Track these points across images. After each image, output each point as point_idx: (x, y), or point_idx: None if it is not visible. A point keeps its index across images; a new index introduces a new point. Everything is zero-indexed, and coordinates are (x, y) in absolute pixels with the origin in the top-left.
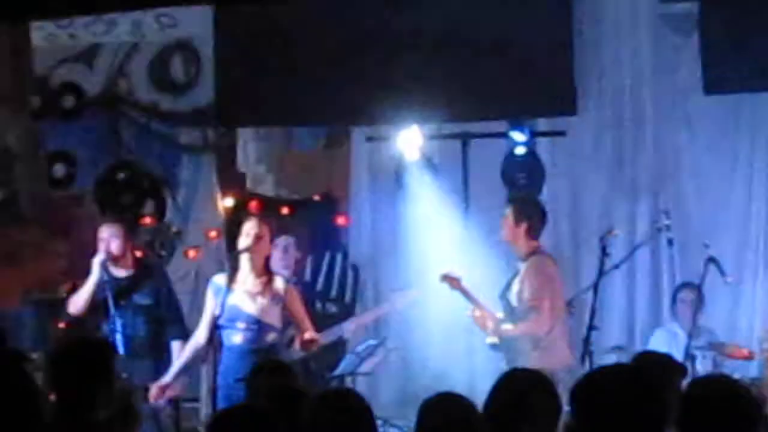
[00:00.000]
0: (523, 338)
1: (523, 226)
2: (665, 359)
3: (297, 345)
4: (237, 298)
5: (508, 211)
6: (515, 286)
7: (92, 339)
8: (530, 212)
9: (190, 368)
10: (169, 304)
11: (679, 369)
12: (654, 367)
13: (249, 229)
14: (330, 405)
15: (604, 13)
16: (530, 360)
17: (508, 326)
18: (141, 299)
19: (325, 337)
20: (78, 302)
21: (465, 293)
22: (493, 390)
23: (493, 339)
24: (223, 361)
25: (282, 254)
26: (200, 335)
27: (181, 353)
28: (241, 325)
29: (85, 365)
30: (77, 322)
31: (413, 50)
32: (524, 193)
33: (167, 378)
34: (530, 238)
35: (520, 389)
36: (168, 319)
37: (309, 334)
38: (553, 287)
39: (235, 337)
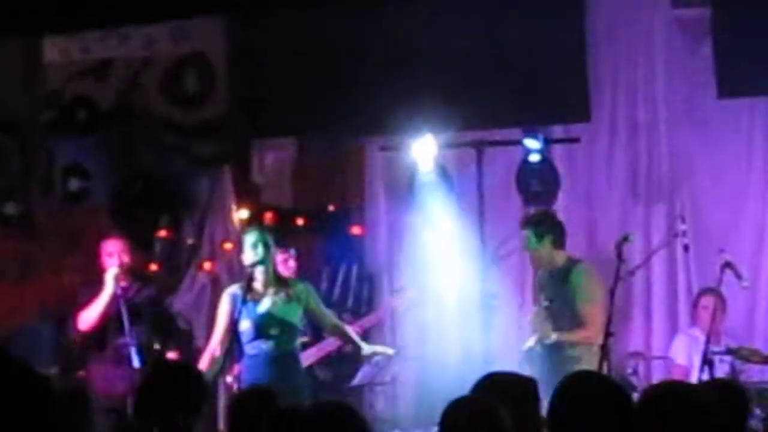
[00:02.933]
0: (573, 346)
1: (548, 240)
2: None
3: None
4: (266, 306)
5: (527, 234)
6: (566, 294)
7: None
8: (547, 225)
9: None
10: (171, 318)
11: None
12: None
13: (255, 241)
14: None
15: (617, 18)
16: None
17: (568, 334)
18: (147, 312)
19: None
20: (89, 318)
21: None
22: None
23: (530, 344)
24: (249, 371)
25: (282, 267)
26: (216, 347)
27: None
28: (274, 331)
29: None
30: (92, 337)
31: (427, 59)
32: (535, 210)
33: None
34: (558, 249)
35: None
36: (170, 331)
37: None
38: (605, 296)
39: (265, 345)
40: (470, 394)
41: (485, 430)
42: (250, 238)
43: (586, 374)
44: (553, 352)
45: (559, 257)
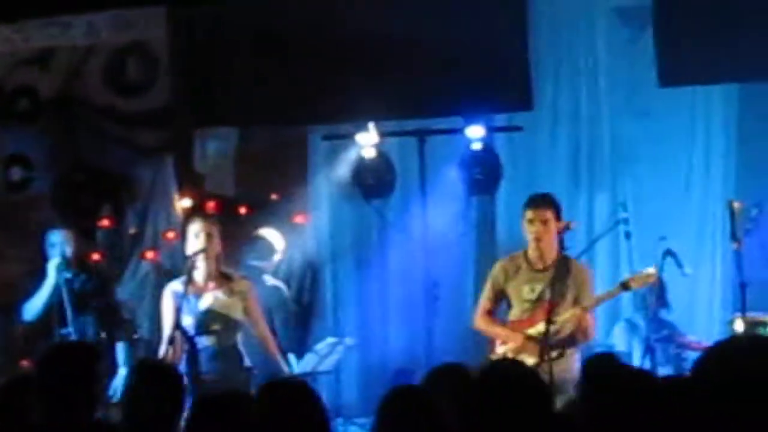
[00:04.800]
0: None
1: (560, 226)
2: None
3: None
4: (208, 302)
5: (548, 213)
6: (572, 291)
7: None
8: (561, 211)
9: None
10: (116, 307)
11: None
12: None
13: (198, 231)
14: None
15: (558, 7)
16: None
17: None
18: (92, 302)
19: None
20: (33, 308)
21: None
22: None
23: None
24: (202, 366)
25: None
26: (169, 346)
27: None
28: (215, 326)
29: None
30: (34, 327)
31: (368, 48)
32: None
33: None
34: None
35: None
36: (114, 321)
37: None
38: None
39: (208, 340)
40: (411, 384)
41: (421, 419)
42: (193, 227)
43: (505, 362)
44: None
45: (555, 247)
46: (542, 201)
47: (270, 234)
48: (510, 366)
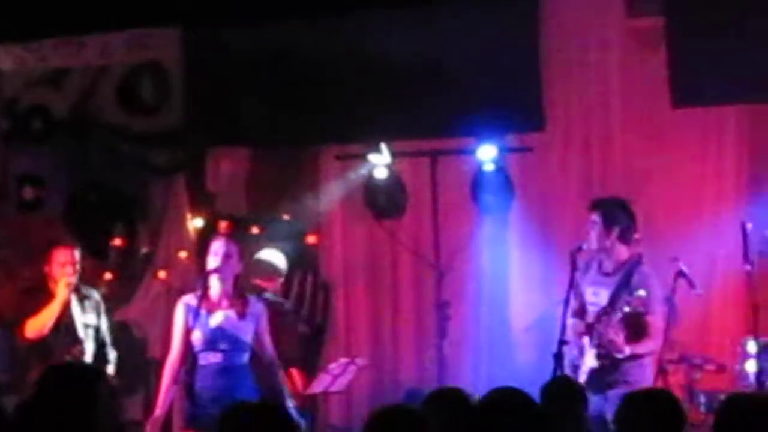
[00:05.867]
0: (633, 359)
1: (615, 232)
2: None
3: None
4: (219, 320)
5: (595, 217)
6: (628, 300)
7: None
8: (620, 216)
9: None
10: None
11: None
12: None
13: (217, 249)
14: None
15: (571, 28)
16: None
17: (636, 346)
18: (90, 321)
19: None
20: (38, 326)
21: None
22: None
23: (592, 363)
24: (198, 381)
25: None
26: (175, 357)
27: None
28: (222, 345)
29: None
30: (42, 345)
31: (381, 69)
32: (609, 196)
33: (158, 412)
34: (623, 244)
35: None
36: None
37: None
38: (663, 301)
39: (214, 357)
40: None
41: None
42: (214, 245)
43: (505, 390)
44: (614, 368)
45: (620, 252)
46: (594, 204)
47: (271, 255)
48: (509, 395)
